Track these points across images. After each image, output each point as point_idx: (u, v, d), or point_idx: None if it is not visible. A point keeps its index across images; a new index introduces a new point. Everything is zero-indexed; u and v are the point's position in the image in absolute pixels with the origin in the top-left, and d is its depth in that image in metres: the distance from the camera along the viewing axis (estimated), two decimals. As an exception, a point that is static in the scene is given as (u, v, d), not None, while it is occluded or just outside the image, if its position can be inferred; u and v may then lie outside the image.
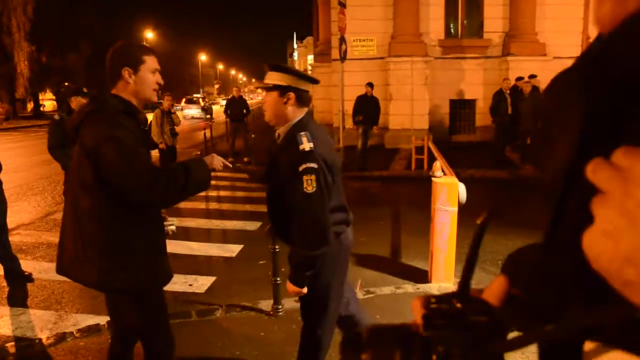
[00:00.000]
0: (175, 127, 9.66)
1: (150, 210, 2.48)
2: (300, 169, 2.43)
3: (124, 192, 2.26)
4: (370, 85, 11.73)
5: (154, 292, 2.52)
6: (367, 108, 11.49)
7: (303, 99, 2.58)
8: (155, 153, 9.50)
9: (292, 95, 2.54)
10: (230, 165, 2.62)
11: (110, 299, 2.65)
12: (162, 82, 2.50)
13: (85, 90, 5.92)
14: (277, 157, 2.61)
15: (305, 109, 2.61)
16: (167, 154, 9.56)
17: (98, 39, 44.60)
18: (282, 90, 2.54)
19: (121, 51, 2.43)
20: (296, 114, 2.59)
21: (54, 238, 6.74)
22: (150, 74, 2.43)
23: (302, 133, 2.49)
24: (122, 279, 2.35)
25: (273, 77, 2.56)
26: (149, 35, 59.47)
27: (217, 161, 2.54)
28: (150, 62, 2.44)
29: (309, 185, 2.42)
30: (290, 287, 2.63)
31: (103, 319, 4.27)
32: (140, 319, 2.54)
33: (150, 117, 9.57)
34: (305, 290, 2.63)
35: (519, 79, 12.31)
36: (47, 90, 44.79)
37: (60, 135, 5.80)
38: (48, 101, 48.48)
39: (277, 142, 2.66)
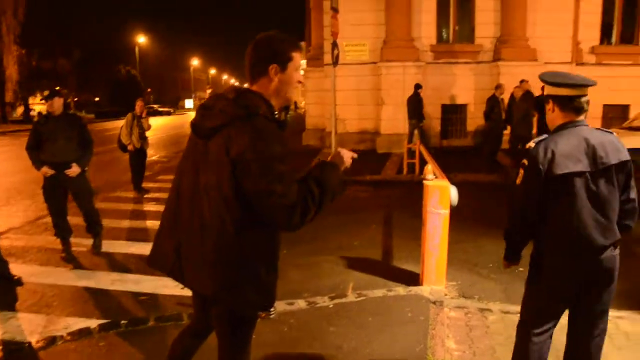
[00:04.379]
0: (145, 131, 9.89)
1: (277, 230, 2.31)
2: (521, 162, 2.73)
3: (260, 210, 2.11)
4: (416, 86, 13.96)
5: (255, 318, 2.37)
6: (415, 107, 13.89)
7: (567, 105, 2.63)
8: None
9: (550, 102, 2.69)
10: (356, 155, 2.43)
11: (202, 299, 2.48)
12: (302, 80, 2.36)
13: (61, 90, 5.91)
14: None
15: (571, 115, 2.64)
16: (135, 156, 9.84)
17: (88, 43, 44.51)
18: (546, 99, 2.73)
19: (269, 45, 2.25)
20: (556, 121, 2.70)
21: (44, 242, 6.71)
22: (295, 72, 2.28)
23: (541, 136, 2.68)
24: (246, 300, 2.22)
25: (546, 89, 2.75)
26: (141, 39, 59.31)
27: (347, 157, 2.33)
28: (297, 59, 2.28)
29: (518, 177, 2.71)
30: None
31: (94, 322, 4.25)
32: (229, 342, 2.37)
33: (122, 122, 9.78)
34: (508, 264, 2.98)
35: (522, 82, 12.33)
36: (37, 95, 44.59)
37: (37, 137, 5.79)
38: (38, 105, 48.22)
39: None
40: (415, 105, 13.88)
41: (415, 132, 13.82)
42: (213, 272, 2.17)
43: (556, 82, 2.62)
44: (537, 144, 2.63)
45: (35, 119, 6.00)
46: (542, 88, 12.71)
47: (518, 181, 2.71)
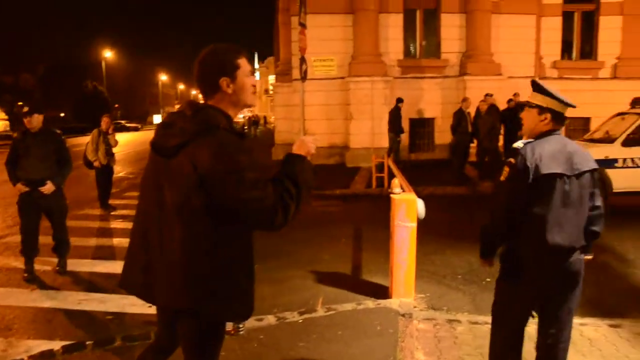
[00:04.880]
0: (112, 147, 9.83)
1: (250, 235, 2.31)
2: (506, 160, 2.86)
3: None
4: (398, 100, 14.34)
5: (223, 334, 2.37)
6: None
7: (558, 119, 2.84)
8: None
9: (548, 115, 2.83)
10: (318, 139, 2.44)
11: (169, 316, 2.42)
12: (256, 83, 2.35)
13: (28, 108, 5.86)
14: None
15: (557, 126, 2.86)
16: (101, 173, 9.76)
17: (54, 58, 43.75)
18: (542, 109, 2.84)
19: (213, 59, 2.25)
20: (543, 129, 2.86)
21: (4, 263, 6.52)
22: (247, 78, 2.28)
23: (526, 140, 2.84)
24: (218, 308, 2.21)
25: (535, 97, 2.87)
26: (108, 54, 58.65)
27: (310, 144, 2.34)
28: (245, 65, 2.27)
29: (502, 174, 2.82)
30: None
31: (57, 344, 4.13)
32: (202, 349, 2.34)
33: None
34: (485, 262, 3.06)
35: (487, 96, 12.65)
36: None
37: (15, 153, 5.76)
38: None
39: None
40: (396, 118, 14.19)
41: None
42: (191, 284, 2.15)
43: (563, 101, 2.82)
44: (525, 144, 2.80)
45: (15, 135, 5.93)
46: (509, 101, 13.08)
47: (502, 178, 2.82)
